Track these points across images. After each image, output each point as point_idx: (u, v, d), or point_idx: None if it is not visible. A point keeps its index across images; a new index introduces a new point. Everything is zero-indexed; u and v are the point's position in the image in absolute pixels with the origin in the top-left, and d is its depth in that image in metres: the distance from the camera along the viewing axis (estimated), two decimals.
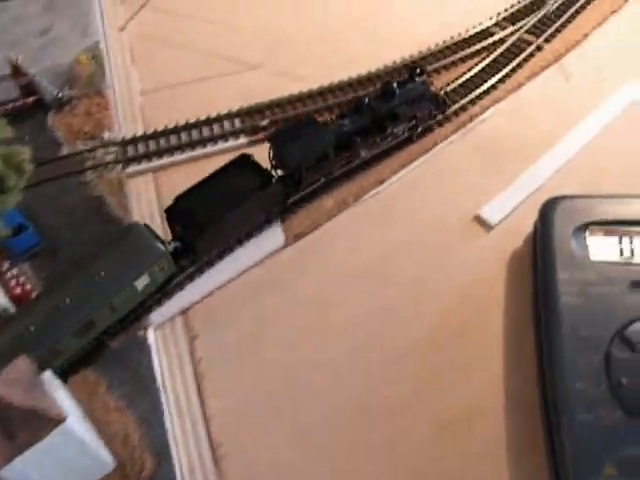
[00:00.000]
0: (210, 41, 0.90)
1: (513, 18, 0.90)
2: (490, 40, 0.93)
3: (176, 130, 0.89)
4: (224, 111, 0.86)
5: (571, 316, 0.64)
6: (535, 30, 0.91)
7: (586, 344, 0.63)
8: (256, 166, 0.64)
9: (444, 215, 0.70)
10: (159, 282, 0.64)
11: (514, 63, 0.85)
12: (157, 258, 0.61)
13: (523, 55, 0.86)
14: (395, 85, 0.69)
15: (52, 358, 0.66)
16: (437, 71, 0.92)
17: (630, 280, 0.64)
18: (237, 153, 0.76)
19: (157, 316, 0.72)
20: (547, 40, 0.88)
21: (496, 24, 0.91)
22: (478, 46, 0.94)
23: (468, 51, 0.94)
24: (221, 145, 0.86)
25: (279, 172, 0.66)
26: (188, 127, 0.89)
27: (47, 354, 0.66)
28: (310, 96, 0.82)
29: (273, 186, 0.63)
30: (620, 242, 0.66)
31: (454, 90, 0.89)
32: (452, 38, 0.85)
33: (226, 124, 0.88)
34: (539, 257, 0.68)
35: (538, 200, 0.66)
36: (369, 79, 0.82)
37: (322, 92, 0.82)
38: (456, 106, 0.81)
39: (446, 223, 0.69)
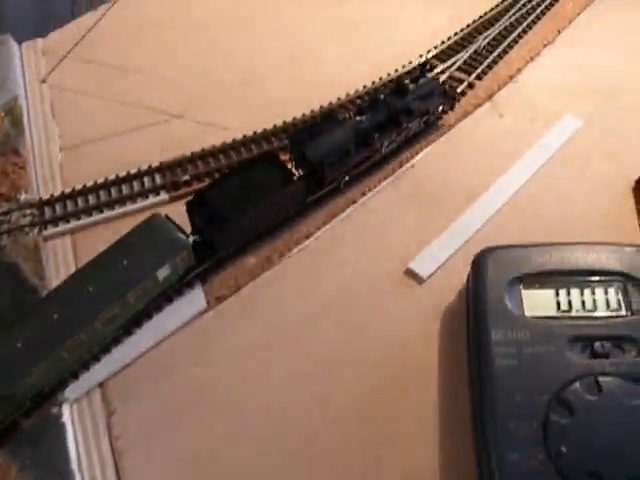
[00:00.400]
0: (133, 91, 0.87)
1: (443, 56, 0.85)
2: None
3: (95, 189, 0.84)
4: (145, 166, 0.81)
5: (506, 380, 0.60)
6: (466, 67, 0.86)
7: (522, 410, 0.58)
8: (278, 163, 0.65)
9: (373, 270, 0.65)
10: (179, 274, 0.64)
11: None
12: (179, 249, 0.61)
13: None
14: (408, 81, 0.73)
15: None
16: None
17: (568, 336, 0.61)
18: (157, 211, 0.75)
19: (73, 391, 0.68)
20: (479, 77, 0.84)
21: (426, 63, 0.88)
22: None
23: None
24: (141, 203, 0.81)
25: (299, 171, 0.67)
26: (107, 185, 0.84)
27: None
28: (233, 147, 0.78)
29: (295, 184, 0.64)
30: (557, 294, 0.62)
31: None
32: (381, 79, 0.80)
33: (146, 180, 0.83)
34: (471, 314, 0.64)
35: (472, 250, 0.62)
36: (294, 125, 0.78)
37: (245, 143, 0.77)
38: (385, 152, 0.77)
39: (376, 278, 0.65)
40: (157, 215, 0.66)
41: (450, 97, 0.76)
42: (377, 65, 0.75)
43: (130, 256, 0.64)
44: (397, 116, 0.71)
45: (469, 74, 0.77)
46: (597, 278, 0.59)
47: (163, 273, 0.61)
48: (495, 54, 0.77)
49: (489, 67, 0.76)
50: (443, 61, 0.80)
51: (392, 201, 0.68)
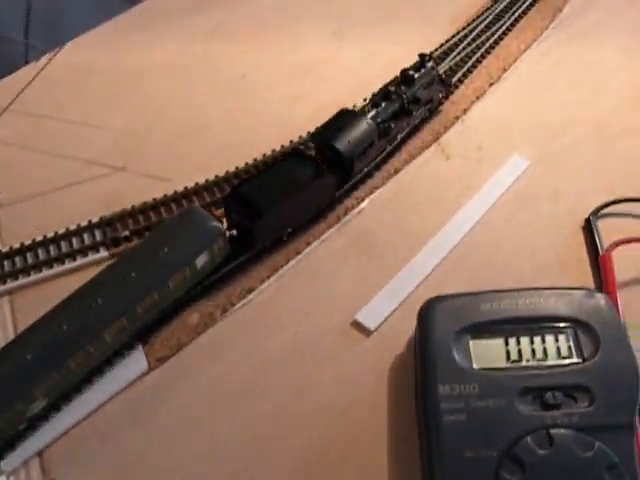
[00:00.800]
0: (74, 144, 0.85)
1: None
2: None
3: (33, 247, 0.82)
4: (85, 222, 0.79)
5: (454, 436, 0.58)
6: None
7: (472, 467, 0.56)
8: (308, 158, 0.66)
9: (319, 323, 0.63)
10: (216, 262, 0.64)
11: (390, 146, 0.80)
12: (216, 236, 0.61)
13: (400, 136, 0.80)
14: (412, 72, 0.76)
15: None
16: None
17: (519, 387, 0.59)
18: (97, 268, 0.73)
19: (9, 463, 0.65)
20: (424, 119, 0.84)
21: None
22: None
23: None
24: (80, 261, 0.79)
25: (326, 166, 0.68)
26: (46, 243, 0.82)
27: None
28: (175, 199, 0.76)
29: (327, 177, 0.65)
30: (506, 344, 0.61)
31: None
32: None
33: (86, 237, 0.81)
34: (418, 368, 0.62)
35: (420, 298, 0.60)
36: (236, 175, 0.77)
37: (187, 194, 0.76)
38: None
39: (322, 332, 0.63)
40: (193, 206, 0.70)
41: (447, 85, 0.82)
42: (320, 110, 0.74)
43: (168, 244, 0.64)
44: (407, 105, 0.75)
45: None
46: (547, 325, 0.58)
47: (201, 261, 0.65)
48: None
49: (436, 108, 0.75)
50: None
51: (338, 250, 0.67)
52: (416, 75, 0.77)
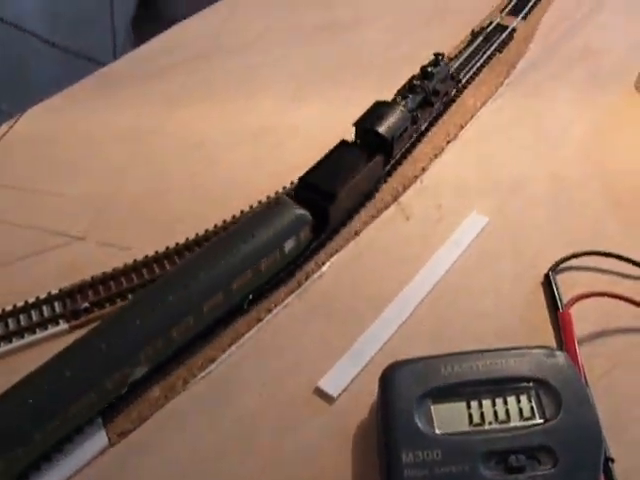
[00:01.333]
0: (32, 213, 0.84)
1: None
2: None
3: None
4: (44, 294, 0.79)
5: None
6: None
7: None
8: (355, 145, 0.80)
9: (282, 391, 0.63)
10: (301, 248, 0.76)
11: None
12: (303, 223, 0.73)
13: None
14: (430, 68, 0.89)
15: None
16: None
17: (482, 451, 0.59)
18: (58, 341, 0.73)
19: None
20: (384, 179, 0.85)
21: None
22: None
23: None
24: (40, 334, 0.78)
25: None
26: (4, 316, 0.81)
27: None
28: (135, 268, 0.76)
29: (376, 158, 0.71)
30: (468, 407, 0.61)
31: None
32: (284, 188, 0.80)
33: (45, 309, 0.81)
34: (381, 435, 0.62)
35: (382, 363, 0.61)
36: (196, 242, 0.77)
37: (147, 263, 0.75)
38: (290, 265, 0.75)
39: (284, 400, 0.62)
40: (281, 196, 0.74)
41: (456, 80, 0.92)
42: (280, 173, 0.75)
43: (259, 230, 0.69)
44: (429, 96, 0.85)
45: None
46: (509, 386, 0.58)
47: (289, 246, 0.71)
48: (399, 154, 0.77)
49: (394, 168, 0.76)
50: None
51: (299, 316, 0.67)
52: (434, 70, 0.86)
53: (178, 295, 0.64)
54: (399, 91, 0.85)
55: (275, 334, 0.66)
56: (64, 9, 1.40)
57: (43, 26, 1.38)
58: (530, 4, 1.01)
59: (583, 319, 0.67)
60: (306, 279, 0.70)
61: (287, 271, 0.73)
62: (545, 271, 0.72)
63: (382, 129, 0.78)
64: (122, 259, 0.73)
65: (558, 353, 0.58)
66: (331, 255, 0.72)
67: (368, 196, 0.80)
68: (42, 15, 1.38)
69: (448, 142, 0.82)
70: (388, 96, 0.81)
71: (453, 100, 0.89)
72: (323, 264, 0.71)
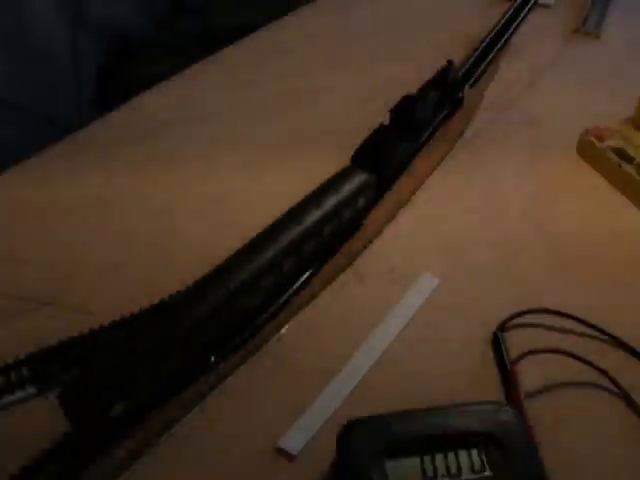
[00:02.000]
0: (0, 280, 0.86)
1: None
2: None
3: None
4: (11, 359, 0.81)
5: None
6: None
7: None
8: (391, 127, 0.92)
9: (242, 452, 0.65)
10: (366, 210, 0.86)
11: (307, 273, 0.84)
12: (369, 186, 0.84)
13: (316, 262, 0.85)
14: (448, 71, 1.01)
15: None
16: None
17: None
18: (27, 405, 0.74)
19: None
20: (340, 244, 0.89)
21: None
22: None
23: None
24: (7, 399, 0.80)
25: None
26: None
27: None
28: (101, 332, 0.78)
29: (408, 140, 0.92)
30: (422, 462, 0.64)
31: None
32: None
33: (13, 374, 0.82)
34: None
35: (340, 421, 0.63)
36: (161, 306, 0.79)
37: (114, 326, 0.78)
38: (250, 327, 0.77)
39: (245, 461, 0.64)
40: (348, 165, 0.83)
41: (461, 85, 1.04)
42: (243, 238, 0.79)
43: (325, 196, 0.79)
44: (448, 94, 0.99)
45: None
46: (460, 441, 0.61)
47: (351, 209, 0.81)
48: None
49: (350, 233, 0.80)
50: None
51: (259, 377, 0.70)
52: (449, 72, 0.99)
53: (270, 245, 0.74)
54: (424, 85, 0.99)
55: (235, 396, 0.69)
56: (27, 71, 1.42)
57: (5, 88, 1.39)
58: (477, 74, 1.10)
59: (530, 375, 0.72)
60: (265, 341, 0.73)
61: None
62: (493, 330, 0.76)
63: (422, 112, 0.93)
64: (89, 324, 0.74)
65: (506, 408, 0.62)
66: (290, 317, 0.75)
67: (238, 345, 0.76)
68: (4, 77, 1.39)
69: (400, 207, 0.86)
70: (347, 162, 0.88)
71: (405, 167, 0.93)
72: (282, 326, 0.75)
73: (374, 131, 0.90)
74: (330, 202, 0.81)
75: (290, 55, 1.31)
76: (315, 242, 0.79)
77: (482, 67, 1.12)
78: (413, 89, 0.98)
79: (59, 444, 0.65)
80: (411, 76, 1.02)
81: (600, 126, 1.01)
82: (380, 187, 0.87)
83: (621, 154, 0.94)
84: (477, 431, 0.61)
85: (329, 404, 0.68)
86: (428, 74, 1.01)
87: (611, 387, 0.67)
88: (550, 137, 1.08)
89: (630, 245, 0.85)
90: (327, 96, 1.16)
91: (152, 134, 1.05)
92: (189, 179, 0.97)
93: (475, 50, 1.16)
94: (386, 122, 0.92)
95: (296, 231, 0.78)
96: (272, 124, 1.09)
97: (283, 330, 0.75)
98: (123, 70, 1.68)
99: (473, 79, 1.11)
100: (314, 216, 0.79)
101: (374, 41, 1.37)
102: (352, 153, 0.90)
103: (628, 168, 0.92)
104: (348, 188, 0.82)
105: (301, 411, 0.67)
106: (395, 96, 0.95)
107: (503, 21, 1.24)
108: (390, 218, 0.87)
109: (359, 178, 0.84)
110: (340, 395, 0.68)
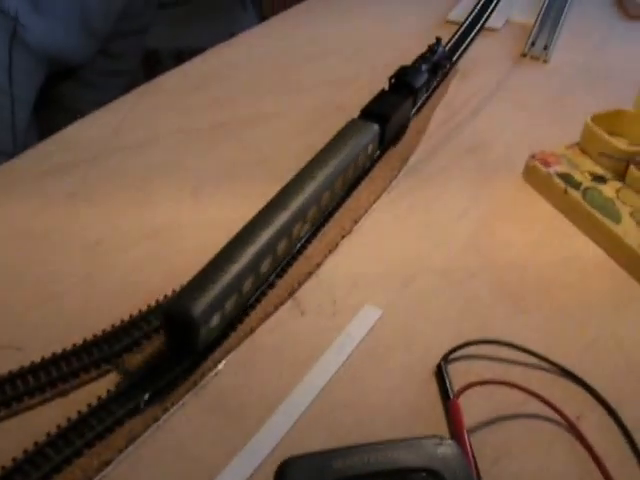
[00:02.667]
0: None
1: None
2: None
3: None
4: None
5: None
6: None
7: None
8: (391, 91, 1.09)
9: None
10: (373, 158, 1.04)
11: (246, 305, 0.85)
12: (374, 135, 0.97)
13: (255, 295, 0.85)
14: (435, 46, 1.19)
15: None
16: None
17: None
18: None
19: None
20: (279, 275, 0.88)
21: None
22: None
23: None
24: None
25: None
26: None
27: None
28: (31, 370, 0.77)
29: (409, 99, 1.09)
30: None
31: None
32: (181, 286, 0.83)
33: None
34: None
35: (278, 459, 0.64)
36: (93, 343, 0.78)
37: (44, 364, 0.77)
38: (185, 363, 0.77)
39: None
40: (357, 118, 0.99)
41: (449, 58, 1.25)
42: (176, 270, 0.79)
43: (339, 148, 0.91)
44: (435, 67, 1.17)
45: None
46: (401, 476, 0.62)
47: (364, 155, 0.95)
48: (294, 250, 0.82)
49: (289, 264, 0.81)
50: None
51: (195, 415, 0.70)
52: (436, 49, 1.18)
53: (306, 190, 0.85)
54: (416, 60, 1.15)
55: (171, 435, 0.69)
56: None
57: None
58: (422, 100, 1.10)
59: (474, 407, 0.72)
60: (202, 377, 0.73)
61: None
62: (437, 361, 0.76)
63: (415, 81, 1.09)
64: (17, 361, 0.74)
65: (448, 442, 0.62)
66: (227, 353, 0.75)
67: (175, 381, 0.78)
68: None
69: (343, 237, 0.87)
70: None
71: (348, 195, 0.94)
72: (219, 362, 0.75)
73: (377, 94, 1.05)
74: (350, 146, 0.93)
75: (230, 80, 1.32)
76: (342, 181, 0.94)
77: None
78: (355, 113, 1.00)
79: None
80: (355, 100, 1.05)
81: (546, 151, 1.04)
82: (382, 138, 1.00)
83: (567, 179, 0.97)
84: (419, 467, 0.61)
85: (267, 442, 0.68)
86: (369, 97, 1.04)
87: (556, 417, 0.68)
88: (496, 162, 1.09)
89: (576, 271, 0.87)
90: (267, 122, 1.17)
91: (87, 163, 1.05)
92: (124, 209, 0.97)
93: (457, 30, 1.36)
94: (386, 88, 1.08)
95: (329, 170, 0.90)
96: (209, 152, 1.09)
97: (220, 366, 0.75)
98: (61, 94, 1.67)
99: (417, 106, 1.14)
100: (339, 158, 0.91)
101: (318, 65, 1.39)
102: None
103: (574, 194, 0.94)
104: (362, 135, 0.94)
105: (239, 449, 0.67)
106: (337, 121, 0.97)
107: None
108: (332, 248, 0.88)
109: (369, 128, 0.95)
110: (279, 432, 0.69)
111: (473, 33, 1.40)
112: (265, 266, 0.76)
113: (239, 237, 0.75)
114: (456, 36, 1.36)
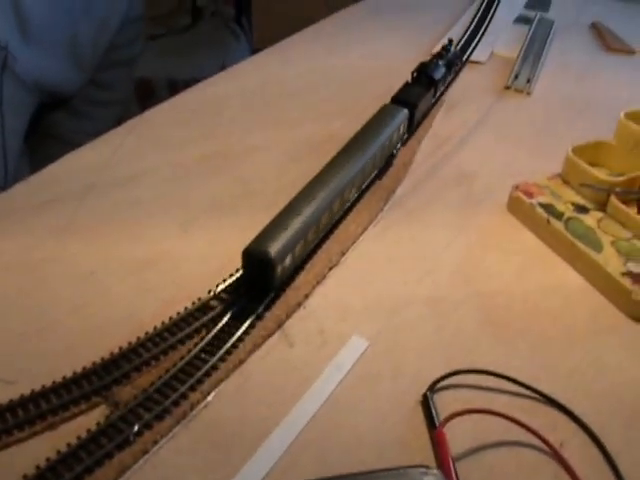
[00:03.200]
0: None
1: (231, 289, 0.90)
2: (210, 315, 0.91)
3: None
4: None
5: None
6: (255, 298, 0.92)
7: None
8: (414, 84, 1.22)
9: None
10: (402, 138, 1.16)
11: (235, 337, 0.84)
12: (404, 117, 1.10)
13: (244, 327, 0.85)
14: (448, 45, 1.32)
15: None
16: (156, 358, 0.87)
17: None
18: None
19: None
20: (267, 307, 0.89)
21: (215, 297, 0.89)
22: (197, 323, 0.91)
23: (188, 330, 0.90)
24: None
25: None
26: None
27: None
28: (21, 404, 0.78)
29: (430, 90, 1.23)
30: None
31: (174, 376, 0.85)
32: (171, 319, 0.83)
33: None
34: None
35: None
36: (84, 375, 0.79)
37: (34, 397, 0.78)
38: (175, 395, 0.77)
39: None
40: (387, 104, 1.11)
41: (461, 57, 1.41)
42: (168, 302, 0.86)
43: (377, 126, 1.05)
44: (450, 64, 1.31)
45: (258, 304, 0.82)
46: None
47: (397, 135, 1.10)
48: (344, 208, 0.86)
49: (277, 296, 0.82)
50: (231, 295, 0.85)
51: (185, 447, 0.70)
52: (450, 47, 1.32)
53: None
54: (433, 56, 1.28)
55: (162, 466, 0.69)
56: None
57: None
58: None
59: (460, 435, 0.74)
60: (192, 409, 0.74)
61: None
62: (423, 390, 0.78)
63: (431, 73, 1.21)
64: (8, 394, 0.74)
65: (434, 471, 0.64)
66: (216, 384, 0.76)
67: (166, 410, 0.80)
68: None
69: (330, 268, 0.89)
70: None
71: (335, 227, 0.96)
72: (209, 394, 0.76)
73: (402, 85, 1.20)
74: (386, 125, 1.06)
75: (219, 114, 1.34)
76: (380, 154, 1.05)
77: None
78: (342, 145, 1.02)
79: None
80: (342, 133, 1.06)
81: (529, 182, 1.06)
82: (411, 122, 1.14)
83: (550, 210, 0.98)
84: None
85: (256, 472, 0.69)
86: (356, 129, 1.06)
87: (540, 444, 0.69)
88: (481, 193, 1.11)
89: (559, 299, 0.89)
90: (255, 155, 1.19)
91: (78, 196, 1.06)
92: (115, 242, 0.98)
93: (467, 29, 1.58)
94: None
95: (371, 144, 1.02)
96: (198, 185, 1.11)
97: (210, 397, 0.76)
98: (52, 124, 1.69)
99: (404, 138, 1.16)
100: (378, 135, 1.04)
101: (305, 98, 1.41)
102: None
103: (556, 224, 0.96)
104: (395, 117, 1.07)
105: (234, 476, 0.67)
106: (324, 153, 0.98)
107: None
108: (320, 279, 0.89)
109: (400, 111, 1.09)
110: (268, 462, 0.70)
111: (458, 67, 1.47)
112: (324, 220, 0.89)
113: (302, 195, 0.88)
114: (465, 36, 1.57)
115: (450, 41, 1.34)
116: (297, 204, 0.84)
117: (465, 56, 1.43)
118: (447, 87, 1.33)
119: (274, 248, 0.79)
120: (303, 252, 0.86)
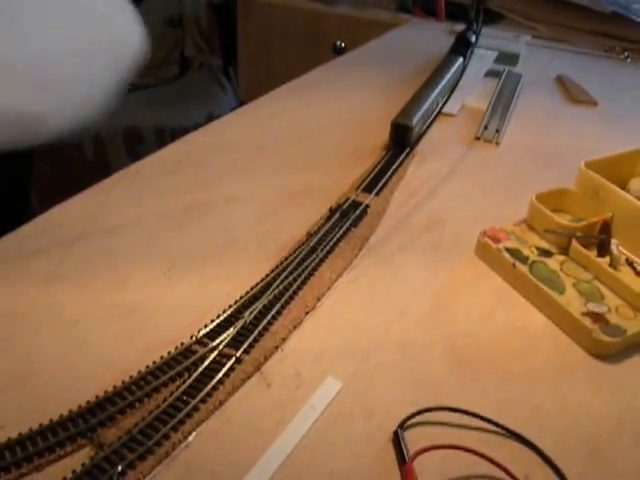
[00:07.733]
0: None
1: (213, 334, 0.92)
2: (192, 359, 0.93)
3: None
4: None
5: None
6: (234, 343, 0.94)
7: None
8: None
9: None
10: (461, 77, 1.46)
11: (215, 380, 0.87)
12: (461, 63, 1.46)
13: (224, 370, 0.87)
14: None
15: None
16: (140, 400, 0.89)
17: None
18: None
19: None
20: (246, 351, 0.91)
21: (197, 341, 0.92)
22: (180, 367, 0.93)
23: (171, 373, 0.92)
24: None
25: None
26: None
27: None
28: (8, 446, 0.79)
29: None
30: None
31: (157, 418, 0.87)
32: (154, 363, 0.85)
33: None
34: None
35: None
36: (71, 419, 0.81)
37: (21, 440, 0.79)
38: (158, 436, 0.79)
39: None
40: (448, 55, 1.41)
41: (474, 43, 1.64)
42: (152, 348, 0.89)
43: (447, 64, 1.41)
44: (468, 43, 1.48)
45: (237, 349, 0.85)
46: None
47: (458, 72, 1.42)
48: (261, 327, 0.87)
49: (256, 340, 0.84)
50: (213, 339, 0.87)
51: None
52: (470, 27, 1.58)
53: None
54: (461, 32, 1.57)
55: None
56: None
57: None
58: (382, 182, 1.27)
59: (428, 470, 0.77)
60: (173, 449, 0.76)
61: None
62: (394, 428, 0.80)
63: (468, 38, 1.51)
64: None
65: None
66: (197, 425, 0.78)
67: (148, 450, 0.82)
68: None
69: (306, 313, 0.92)
70: (264, 270, 1.01)
71: (312, 274, 0.99)
72: (189, 434, 0.78)
73: (452, 45, 1.56)
74: (452, 64, 1.45)
75: (204, 165, 1.38)
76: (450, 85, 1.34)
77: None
78: (323, 194, 1.05)
79: None
80: (323, 182, 1.10)
81: (496, 228, 1.10)
82: (464, 67, 1.46)
83: (515, 254, 1.02)
84: None
85: None
86: (336, 183, 1.09)
87: (506, 478, 0.72)
88: (451, 239, 1.15)
89: (525, 340, 0.92)
90: (238, 204, 1.23)
91: (66, 245, 1.09)
92: (100, 290, 1.00)
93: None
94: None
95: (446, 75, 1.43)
96: (182, 234, 1.14)
97: (191, 438, 0.78)
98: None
99: (377, 188, 1.21)
100: (448, 70, 1.40)
101: (288, 150, 1.46)
102: (262, 261, 1.04)
103: (522, 267, 1.00)
104: (456, 60, 1.48)
105: None
106: (306, 202, 1.02)
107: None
108: (297, 324, 0.92)
109: (459, 58, 1.49)
110: None
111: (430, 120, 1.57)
112: (440, 102, 1.25)
113: (429, 82, 1.30)
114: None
115: (468, 25, 1.61)
116: (425, 91, 1.35)
117: (437, 109, 1.54)
118: (420, 139, 1.46)
119: (411, 120, 1.26)
120: (424, 125, 1.35)
